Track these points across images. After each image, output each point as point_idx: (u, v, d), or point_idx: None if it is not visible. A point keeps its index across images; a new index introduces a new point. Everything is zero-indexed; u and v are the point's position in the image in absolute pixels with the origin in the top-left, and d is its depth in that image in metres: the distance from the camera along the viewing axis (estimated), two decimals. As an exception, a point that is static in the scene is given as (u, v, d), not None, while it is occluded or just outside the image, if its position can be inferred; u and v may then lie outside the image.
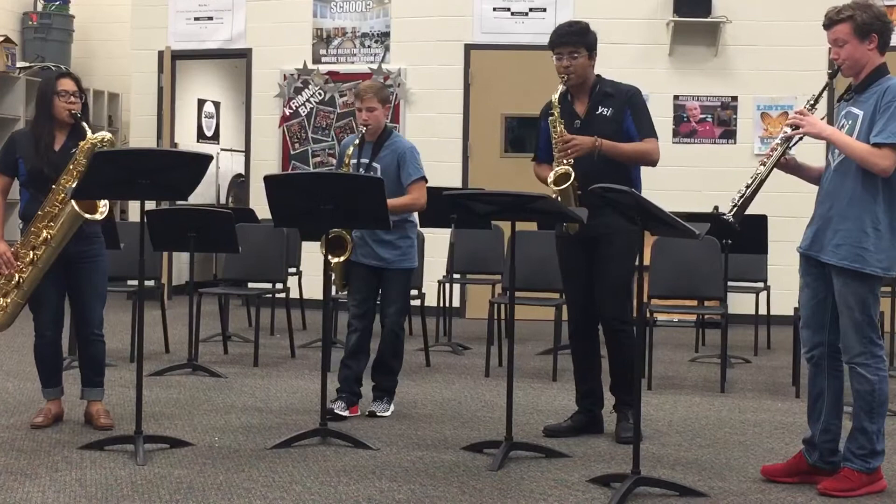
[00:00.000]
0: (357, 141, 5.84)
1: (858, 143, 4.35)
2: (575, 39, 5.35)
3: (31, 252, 5.26)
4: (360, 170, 5.77)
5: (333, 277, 5.86)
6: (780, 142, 4.57)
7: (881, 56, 4.44)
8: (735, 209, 4.56)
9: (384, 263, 5.82)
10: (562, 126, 5.29)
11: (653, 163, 5.41)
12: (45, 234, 5.23)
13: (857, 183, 4.38)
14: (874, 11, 4.41)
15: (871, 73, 4.42)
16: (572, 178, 5.18)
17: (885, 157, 4.28)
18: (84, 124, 5.29)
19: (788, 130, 4.53)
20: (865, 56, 4.41)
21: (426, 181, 5.88)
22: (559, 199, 5.21)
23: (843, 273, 4.40)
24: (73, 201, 5.15)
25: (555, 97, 5.35)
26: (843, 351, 4.46)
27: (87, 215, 5.21)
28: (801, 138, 4.55)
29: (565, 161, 5.25)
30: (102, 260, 5.46)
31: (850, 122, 4.44)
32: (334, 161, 10.26)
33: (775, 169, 4.61)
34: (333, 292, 6.36)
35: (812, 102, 4.57)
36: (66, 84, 5.33)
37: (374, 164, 5.80)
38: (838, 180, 4.44)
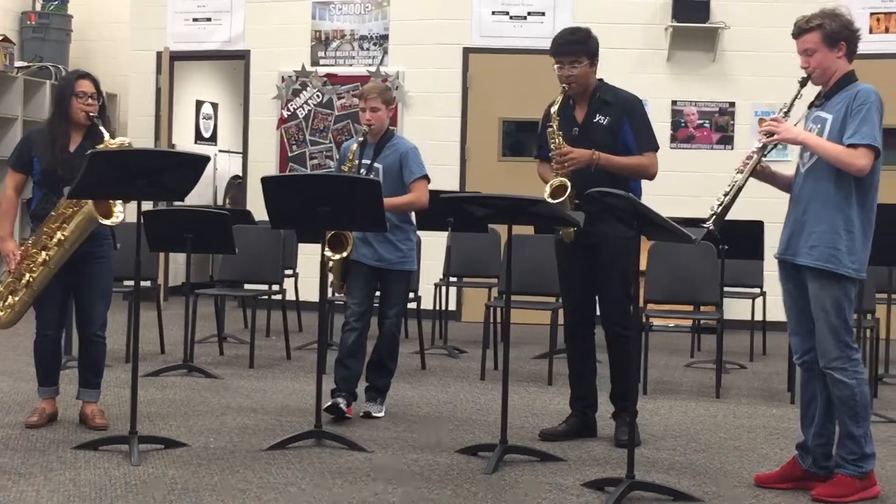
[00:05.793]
0: (360, 141, 5.80)
1: (833, 144, 4.40)
2: (576, 49, 5.27)
3: (42, 252, 5.26)
4: (363, 171, 5.76)
5: (331, 279, 5.86)
6: (755, 150, 4.63)
7: (849, 63, 4.52)
8: (714, 217, 4.60)
9: (386, 264, 5.82)
10: (560, 138, 5.26)
11: (649, 177, 5.38)
12: (58, 235, 5.23)
13: (830, 185, 4.43)
14: (842, 20, 4.50)
15: (840, 79, 4.50)
16: (569, 190, 5.13)
17: (861, 157, 4.34)
18: (102, 128, 5.28)
19: (763, 138, 4.58)
20: (834, 64, 4.49)
21: (429, 180, 5.88)
22: None
23: (818, 275, 4.42)
24: (91, 205, 5.15)
25: (554, 109, 5.30)
26: (820, 355, 4.45)
27: (104, 220, 5.21)
28: (776, 145, 4.61)
29: (562, 173, 5.21)
30: (109, 261, 5.46)
31: (818, 126, 4.51)
32: (332, 163, 10.28)
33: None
34: (330, 294, 6.35)
35: (785, 110, 4.65)
36: (85, 85, 5.34)
37: (377, 165, 5.79)
38: (811, 184, 4.49)
